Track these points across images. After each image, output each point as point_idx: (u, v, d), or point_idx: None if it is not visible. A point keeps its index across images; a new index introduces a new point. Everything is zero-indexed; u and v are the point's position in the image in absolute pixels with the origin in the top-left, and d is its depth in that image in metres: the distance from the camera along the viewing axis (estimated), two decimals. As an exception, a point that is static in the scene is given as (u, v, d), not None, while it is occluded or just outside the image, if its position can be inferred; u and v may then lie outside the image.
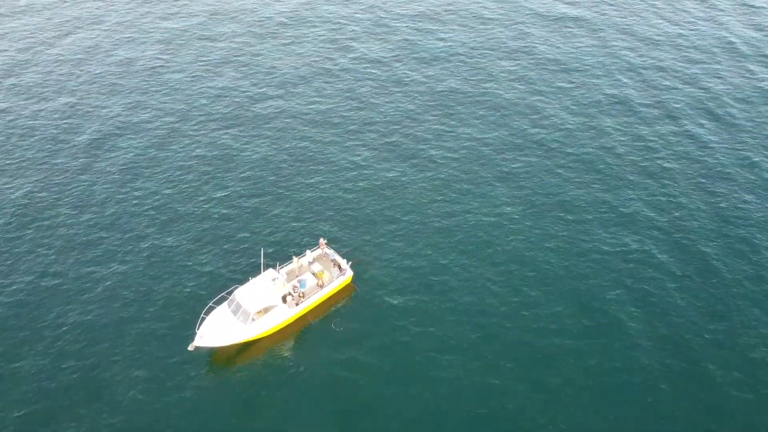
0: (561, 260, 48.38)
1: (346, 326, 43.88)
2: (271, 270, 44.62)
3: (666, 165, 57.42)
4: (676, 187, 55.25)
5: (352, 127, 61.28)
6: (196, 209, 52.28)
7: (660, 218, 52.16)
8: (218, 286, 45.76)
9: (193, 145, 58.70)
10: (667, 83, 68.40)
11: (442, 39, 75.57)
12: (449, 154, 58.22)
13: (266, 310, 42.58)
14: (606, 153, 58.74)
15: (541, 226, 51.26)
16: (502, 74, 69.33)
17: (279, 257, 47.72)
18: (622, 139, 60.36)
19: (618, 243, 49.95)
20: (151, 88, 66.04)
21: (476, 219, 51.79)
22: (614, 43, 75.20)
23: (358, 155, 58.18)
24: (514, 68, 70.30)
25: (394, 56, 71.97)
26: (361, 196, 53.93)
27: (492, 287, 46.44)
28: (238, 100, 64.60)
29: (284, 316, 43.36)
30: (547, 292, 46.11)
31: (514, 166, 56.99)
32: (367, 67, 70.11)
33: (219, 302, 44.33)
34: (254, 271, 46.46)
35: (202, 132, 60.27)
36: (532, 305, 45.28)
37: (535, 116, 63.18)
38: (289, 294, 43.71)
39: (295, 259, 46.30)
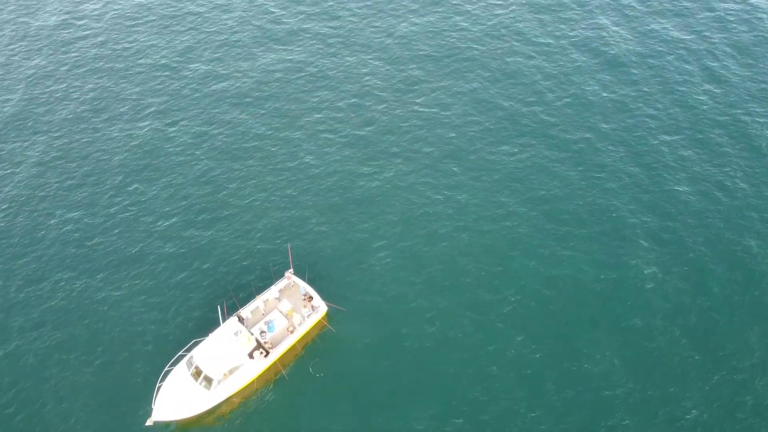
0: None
1: (325, 371, 38.57)
2: (232, 320, 38.41)
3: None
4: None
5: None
6: (134, 245, 45.37)
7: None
8: (172, 341, 39.53)
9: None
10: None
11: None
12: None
13: (231, 371, 36.89)
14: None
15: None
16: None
17: (240, 292, 41.38)
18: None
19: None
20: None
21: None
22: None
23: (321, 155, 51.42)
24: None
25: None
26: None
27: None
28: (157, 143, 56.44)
29: (252, 373, 37.56)
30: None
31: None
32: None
33: (177, 361, 38.19)
34: (213, 315, 40.06)
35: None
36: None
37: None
38: (257, 349, 37.89)
39: (258, 298, 39.98)
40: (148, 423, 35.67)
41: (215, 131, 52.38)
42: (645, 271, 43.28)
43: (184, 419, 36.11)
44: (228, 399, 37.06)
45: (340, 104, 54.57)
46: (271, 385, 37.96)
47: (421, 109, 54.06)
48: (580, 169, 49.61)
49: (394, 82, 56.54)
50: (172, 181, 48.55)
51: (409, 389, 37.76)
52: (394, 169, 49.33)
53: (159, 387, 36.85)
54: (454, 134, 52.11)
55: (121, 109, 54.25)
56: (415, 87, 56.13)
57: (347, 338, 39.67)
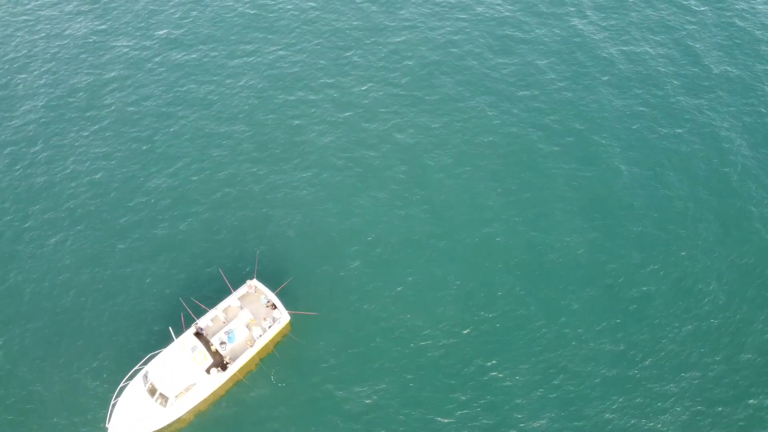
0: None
1: (288, 380, 37.58)
2: (189, 335, 36.98)
3: None
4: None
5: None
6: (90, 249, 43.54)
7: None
8: (127, 353, 38.32)
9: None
10: None
11: None
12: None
13: (188, 389, 35.82)
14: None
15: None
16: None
17: (201, 299, 39.80)
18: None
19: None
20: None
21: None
22: None
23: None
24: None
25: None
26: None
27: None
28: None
29: (210, 388, 36.48)
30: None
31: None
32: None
33: (133, 376, 37.25)
34: (170, 327, 38.39)
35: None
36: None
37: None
38: (214, 366, 36.61)
39: (218, 307, 38.35)
40: None
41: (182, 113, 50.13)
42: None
43: (142, 436, 35.49)
44: (186, 413, 36.32)
45: (313, 98, 52.00)
46: (232, 396, 37.06)
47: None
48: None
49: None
50: (135, 173, 46.70)
51: (375, 404, 36.95)
52: (372, 167, 47.35)
53: (114, 403, 36.01)
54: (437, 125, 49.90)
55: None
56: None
57: (312, 348, 38.46)
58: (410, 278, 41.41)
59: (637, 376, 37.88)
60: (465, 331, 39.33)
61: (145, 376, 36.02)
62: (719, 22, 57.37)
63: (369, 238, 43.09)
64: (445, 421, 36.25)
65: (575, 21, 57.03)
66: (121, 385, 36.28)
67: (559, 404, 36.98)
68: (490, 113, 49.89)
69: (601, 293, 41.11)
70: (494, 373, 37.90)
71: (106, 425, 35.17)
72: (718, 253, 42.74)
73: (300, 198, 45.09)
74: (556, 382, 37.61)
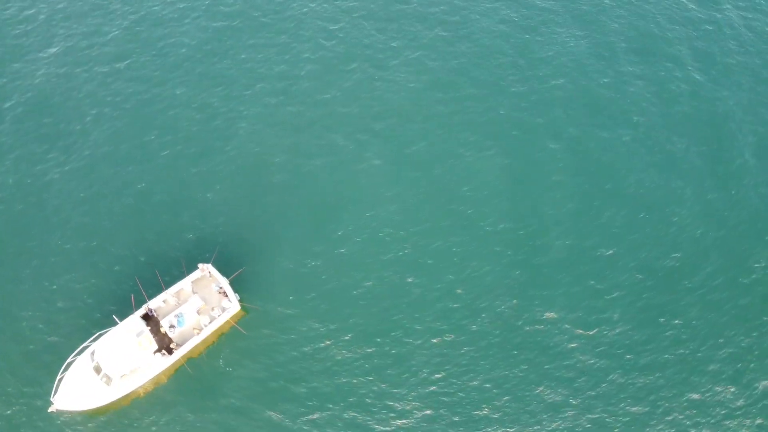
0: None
1: (234, 365, 38.63)
2: (137, 318, 37.87)
3: None
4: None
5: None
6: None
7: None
8: (77, 330, 39.27)
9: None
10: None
11: None
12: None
13: (132, 371, 36.85)
14: None
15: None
16: None
17: (153, 281, 40.22)
18: None
19: None
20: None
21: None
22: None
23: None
24: None
25: None
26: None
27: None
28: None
29: (155, 371, 37.65)
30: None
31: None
32: None
33: (81, 352, 37.98)
34: (122, 306, 39.39)
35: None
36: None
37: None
38: (160, 350, 37.58)
39: (169, 290, 39.12)
40: (51, 410, 36.35)
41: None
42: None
43: (86, 411, 36.79)
44: (130, 392, 37.59)
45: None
46: (176, 379, 38.22)
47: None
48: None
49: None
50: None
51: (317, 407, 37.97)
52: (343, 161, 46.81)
53: (61, 378, 37.16)
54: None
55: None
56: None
57: (258, 339, 39.31)
58: (369, 283, 41.55)
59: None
60: (417, 342, 39.71)
61: (92, 355, 37.12)
62: None
63: (337, 233, 43.08)
64: (385, 429, 37.49)
65: None
66: (68, 360, 37.46)
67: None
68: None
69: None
70: (439, 387, 38.70)
71: (52, 399, 36.52)
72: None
73: (273, 186, 44.89)
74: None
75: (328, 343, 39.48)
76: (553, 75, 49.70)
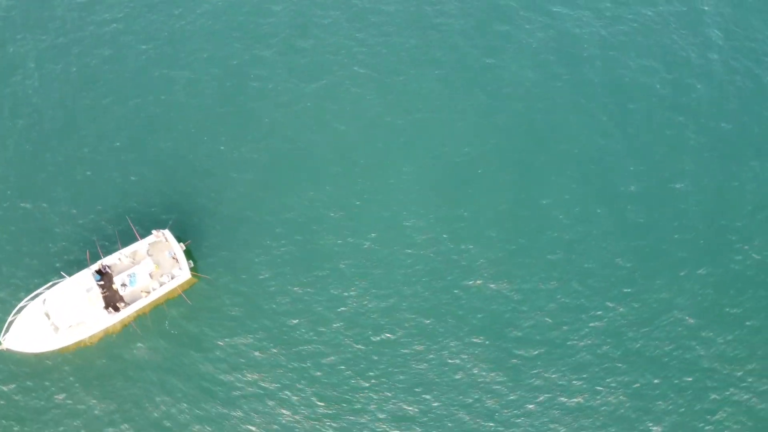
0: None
1: (178, 331, 40.62)
2: (88, 274, 39.71)
3: None
4: None
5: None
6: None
7: None
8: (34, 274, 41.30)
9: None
10: None
11: None
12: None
13: (79, 324, 38.86)
14: None
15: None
16: None
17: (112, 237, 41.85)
18: None
19: None
20: None
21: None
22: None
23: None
24: None
25: None
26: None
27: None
28: None
29: (101, 325, 39.64)
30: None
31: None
32: None
33: (34, 297, 40.00)
34: (79, 258, 41.21)
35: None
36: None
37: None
38: (107, 306, 39.42)
39: (125, 250, 40.74)
40: (1, 348, 38.69)
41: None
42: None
43: (33, 353, 39.08)
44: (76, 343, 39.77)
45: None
46: (122, 336, 40.39)
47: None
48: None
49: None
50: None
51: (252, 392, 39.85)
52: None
53: (12, 320, 39.28)
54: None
55: None
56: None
57: (202, 311, 41.06)
58: (324, 272, 42.57)
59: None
60: (356, 346, 40.85)
61: (44, 302, 39.19)
62: None
63: (298, 221, 43.85)
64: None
65: None
66: (21, 304, 39.56)
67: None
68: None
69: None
70: (366, 394, 40.45)
71: (1, 338, 38.81)
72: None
73: (248, 162, 45.51)
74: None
75: (269, 324, 41.04)
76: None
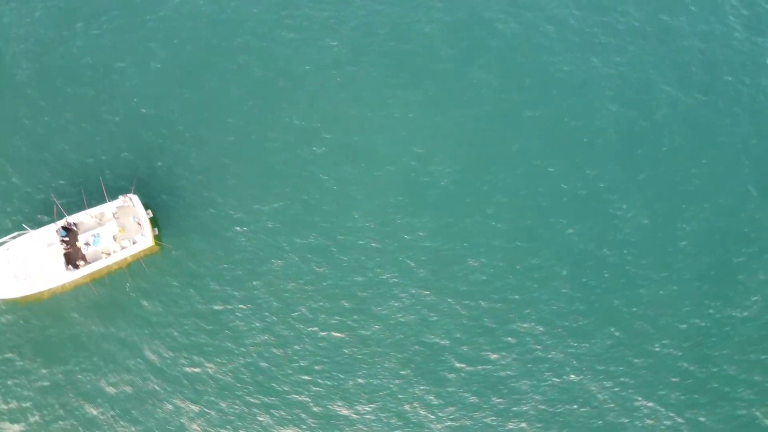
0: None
1: (135, 297, 41.67)
2: (51, 229, 40.85)
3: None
4: None
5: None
6: None
7: None
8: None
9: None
10: None
11: None
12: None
13: (39, 277, 40.00)
14: None
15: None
16: None
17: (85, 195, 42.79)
18: None
19: None
20: None
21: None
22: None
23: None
24: None
25: None
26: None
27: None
28: None
29: (60, 281, 40.75)
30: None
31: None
32: None
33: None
34: (46, 212, 42.27)
35: None
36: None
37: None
38: (68, 263, 40.57)
39: (92, 210, 41.70)
40: None
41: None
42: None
43: (-5, 298, 40.64)
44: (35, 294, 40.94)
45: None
46: (82, 292, 41.52)
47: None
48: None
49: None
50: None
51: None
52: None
53: (-25, 264, 40.55)
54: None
55: None
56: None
57: (160, 280, 42.05)
58: (289, 255, 43.19)
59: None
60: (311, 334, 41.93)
61: (6, 251, 40.35)
62: None
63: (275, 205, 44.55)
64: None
65: None
66: (-15, 250, 40.81)
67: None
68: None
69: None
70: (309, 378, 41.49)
71: (-33, 277, 40.19)
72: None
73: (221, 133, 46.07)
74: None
75: (226, 306, 41.83)
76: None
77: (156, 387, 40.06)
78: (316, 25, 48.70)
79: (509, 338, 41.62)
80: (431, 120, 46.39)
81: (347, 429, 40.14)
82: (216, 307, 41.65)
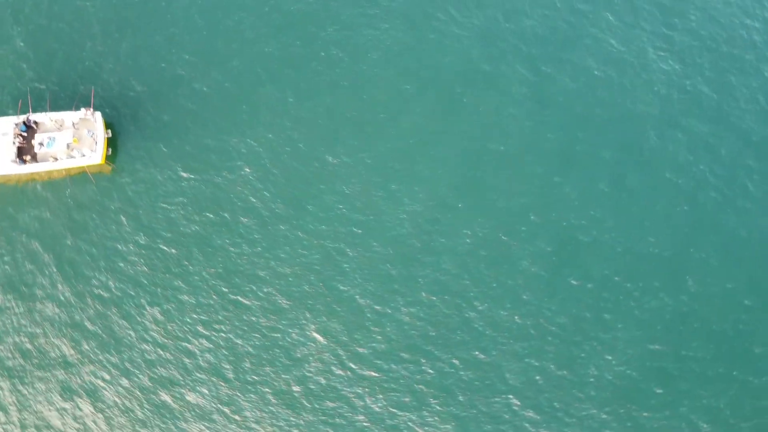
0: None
1: (74, 205, 42.77)
2: (10, 121, 42.29)
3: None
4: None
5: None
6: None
7: None
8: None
9: None
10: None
11: None
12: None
13: (-14, 158, 41.87)
14: None
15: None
16: None
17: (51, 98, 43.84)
18: None
19: None
20: None
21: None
22: None
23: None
24: None
25: None
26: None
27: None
28: None
29: (6, 170, 42.13)
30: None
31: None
32: None
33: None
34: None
35: None
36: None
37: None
38: (18, 156, 41.94)
39: (54, 114, 42.75)
40: None
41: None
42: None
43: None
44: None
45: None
46: (25, 188, 43.04)
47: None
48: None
49: None
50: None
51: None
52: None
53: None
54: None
55: None
56: None
57: (102, 196, 43.03)
58: (230, 213, 43.46)
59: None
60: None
61: (-39, 130, 42.12)
62: None
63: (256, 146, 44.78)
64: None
65: None
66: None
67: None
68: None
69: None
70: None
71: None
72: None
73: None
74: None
75: (151, 242, 42.35)
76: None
77: (61, 296, 41.20)
78: None
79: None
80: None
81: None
82: (140, 240, 42.32)
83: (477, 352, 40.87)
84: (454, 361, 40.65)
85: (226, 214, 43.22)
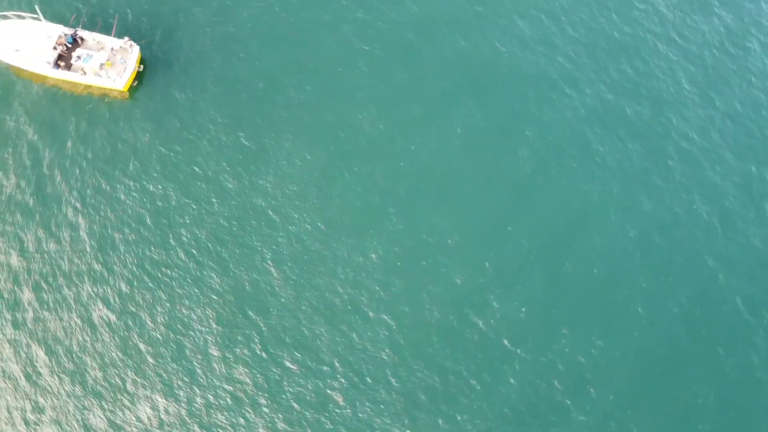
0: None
1: (89, 122, 45.39)
2: (59, 28, 45.70)
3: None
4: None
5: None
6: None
7: None
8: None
9: None
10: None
11: None
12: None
13: (30, 54, 45.17)
14: None
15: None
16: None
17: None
18: None
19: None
20: None
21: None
22: None
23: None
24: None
25: None
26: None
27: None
28: None
29: (37, 69, 45.27)
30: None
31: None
32: None
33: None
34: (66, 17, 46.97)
35: None
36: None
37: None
38: (58, 61, 45.10)
39: (100, 36, 45.84)
40: None
41: None
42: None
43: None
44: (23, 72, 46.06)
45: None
46: (51, 91, 46.11)
47: None
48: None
49: None
50: None
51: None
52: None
53: (-6, 23, 46.17)
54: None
55: None
56: None
57: (117, 123, 45.41)
58: (233, 179, 45.05)
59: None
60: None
61: (16, 24, 45.79)
62: None
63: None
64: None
65: None
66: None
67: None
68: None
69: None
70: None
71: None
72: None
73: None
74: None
75: (146, 185, 43.92)
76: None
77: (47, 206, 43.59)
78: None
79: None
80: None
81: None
82: (129, 168, 44.25)
83: None
84: None
85: (209, 173, 44.75)
